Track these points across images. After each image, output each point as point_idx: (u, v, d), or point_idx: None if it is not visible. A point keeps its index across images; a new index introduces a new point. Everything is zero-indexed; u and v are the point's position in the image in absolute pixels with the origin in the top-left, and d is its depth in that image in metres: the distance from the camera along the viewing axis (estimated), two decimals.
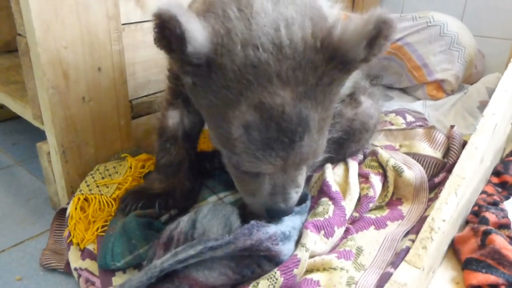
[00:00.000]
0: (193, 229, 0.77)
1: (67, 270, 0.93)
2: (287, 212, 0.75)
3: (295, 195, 0.75)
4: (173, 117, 0.94)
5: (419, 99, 1.58)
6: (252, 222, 0.72)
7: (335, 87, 0.67)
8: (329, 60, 0.63)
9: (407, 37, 1.56)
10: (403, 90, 1.67)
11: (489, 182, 1.09)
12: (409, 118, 1.30)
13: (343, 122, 0.99)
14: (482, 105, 1.36)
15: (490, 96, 1.02)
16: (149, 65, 1.18)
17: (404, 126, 1.25)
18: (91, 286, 0.87)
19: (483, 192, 1.04)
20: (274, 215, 0.75)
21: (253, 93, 0.62)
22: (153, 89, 1.22)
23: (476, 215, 0.95)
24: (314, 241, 0.77)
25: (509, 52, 1.62)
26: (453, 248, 0.90)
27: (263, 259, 0.72)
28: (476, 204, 0.99)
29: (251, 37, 0.61)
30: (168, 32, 0.57)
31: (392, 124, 1.26)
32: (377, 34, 0.58)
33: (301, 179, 0.76)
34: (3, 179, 1.32)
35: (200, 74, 0.65)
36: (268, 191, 0.73)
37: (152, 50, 1.16)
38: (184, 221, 0.79)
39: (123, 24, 1.07)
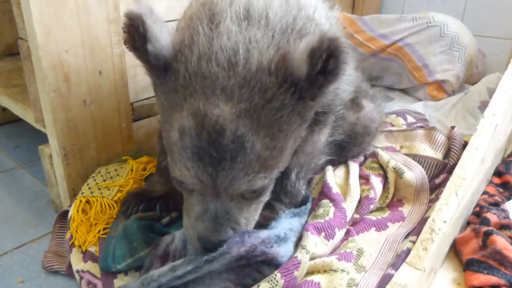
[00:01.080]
0: (185, 250, 0.78)
1: (69, 273, 0.93)
2: (217, 246, 0.69)
3: (230, 231, 0.70)
4: None
5: (419, 100, 1.58)
6: (243, 230, 0.72)
7: (287, 115, 0.64)
8: (281, 83, 0.63)
9: (407, 37, 1.56)
10: (404, 91, 1.67)
11: (490, 182, 1.09)
12: (410, 119, 1.30)
13: (345, 126, 0.99)
14: (483, 105, 1.36)
15: (490, 96, 1.02)
16: None
17: (404, 127, 1.25)
18: None
19: (485, 192, 1.04)
20: (203, 244, 0.70)
21: (195, 101, 0.63)
22: (153, 92, 1.23)
23: (477, 215, 0.95)
24: (315, 243, 0.77)
25: (510, 51, 1.62)
26: (454, 249, 0.90)
27: (261, 264, 0.72)
28: (477, 204, 0.99)
29: (209, 52, 0.64)
30: (133, 30, 0.61)
31: (393, 125, 1.26)
32: (318, 47, 0.58)
33: (240, 215, 0.70)
34: (5, 181, 1.32)
35: (158, 76, 0.68)
36: (198, 214, 0.69)
37: None
38: (177, 238, 0.79)
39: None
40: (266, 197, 0.76)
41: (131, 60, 1.12)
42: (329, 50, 0.58)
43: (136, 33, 0.62)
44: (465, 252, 0.87)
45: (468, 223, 0.96)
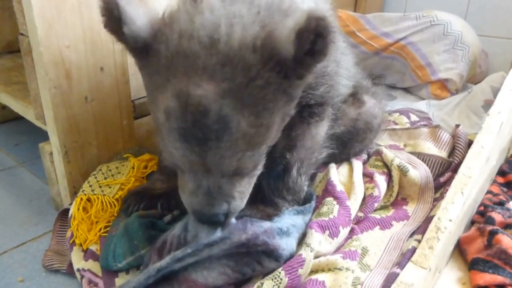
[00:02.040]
0: (185, 232, 0.77)
1: (69, 271, 0.92)
2: (212, 218, 0.70)
3: (224, 204, 0.70)
4: None
5: (423, 99, 1.57)
6: (246, 217, 0.72)
7: (272, 93, 0.63)
8: (266, 60, 0.61)
9: (411, 36, 1.55)
10: (407, 90, 1.66)
11: (494, 181, 1.08)
12: (413, 117, 1.29)
13: (346, 121, 0.98)
14: (487, 104, 1.35)
15: (494, 95, 1.02)
16: None
17: (408, 125, 1.24)
18: (94, 287, 0.86)
19: (489, 192, 1.03)
20: (198, 218, 0.71)
21: (178, 81, 0.61)
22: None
23: (482, 215, 0.94)
24: (319, 241, 0.77)
25: None
26: (459, 248, 0.89)
27: (262, 255, 0.72)
28: (481, 204, 0.98)
29: (191, 29, 0.62)
30: (108, 13, 0.61)
31: (396, 124, 1.25)
32: (306, 27, 0.56)
33: (232, 189, 0.70)
34: (5, 180, 1.31)
35: (139, 57, 0.67)
36: (192, 190, 0.69)
37: None
38: (178, 225, 0.79)
39: None
40: (258, 171, 0.74)
41: None
42: (317, 30, 0.56)
43: (111, 16, 0.61)
44: (470, 251, 0.86)
45: (472, 222, 0.95)
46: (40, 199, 1.20)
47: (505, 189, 1.06)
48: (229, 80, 0.60)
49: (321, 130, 0.90)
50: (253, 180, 0.75)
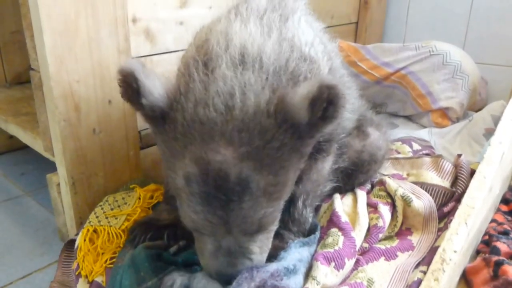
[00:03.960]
0: None
1: None
2: (235, 277, 0.70)
3: (246, 261, 0.71)
4: None
5: (424, 127, 1.59)
6: (258, 259, 0.72)
7: (287, 153, 0.66)
8: (281, 124, 0.64)
9: (411, 66, 1.58)
10: (408, 118, 1.68)
11: (498, 210, 1.08)
12: (416, 146, 1.31)
13: (351, 153, 0.99)
14: (488, 133, 1.36)
15: (495, 124, 1.03)
16: None
17: (410, 154, 1.25)
18: None
19: (493, 220, 1.03)
20: (222, 279, 0.72)
21: (196, 148, 0.64)
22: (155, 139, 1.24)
23: (486, 244, 0.94)
24: (325, 273, 0.77)
25: None
26: (465, 279, 0.88)
27: None
28: (486, 233, 0.98)
29: (205, 98, 0.66)
30: (126, 86, 0.64)
31: (399, 153, 1.27)
32: (318, 96, 0.60)
33: (253, 246, 0.71)
34: (11, 209, 1.32)
35: (156, 125, 0.70)
36: (212, 252, 0.71)
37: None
38: (177, 285, 0.78)
39: (133, 58, 1.10)
40: (275, 226, 0.76)
41: None
42: (329, 99, 0.60)
43: (129, 89, 0.64)
44: (476, 282, 0.85)
45: (477, 252, 0.95)
46: (45, 229, 1.21)
47: (509, 218, 1.06)
48: (246, 145, 0.63)
49: (326, 164, 0.92)
50: (271, 235, 0.76)
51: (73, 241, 1.01)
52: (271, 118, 0.64)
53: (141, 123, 1.19)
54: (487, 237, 0.95)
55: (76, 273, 0.93)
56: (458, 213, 0.84)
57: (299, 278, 0.75)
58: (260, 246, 0.73)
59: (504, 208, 1.10)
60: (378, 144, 1.03)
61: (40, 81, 0.97)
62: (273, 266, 0.72)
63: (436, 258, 0.79)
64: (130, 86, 0.63)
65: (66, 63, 0.94)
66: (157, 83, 0.66)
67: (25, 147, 1.51)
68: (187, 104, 0.66)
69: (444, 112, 1.54)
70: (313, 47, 0.80)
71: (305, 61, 0.76)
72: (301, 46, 0.77)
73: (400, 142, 1.32)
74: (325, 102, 0.60)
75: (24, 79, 1.66)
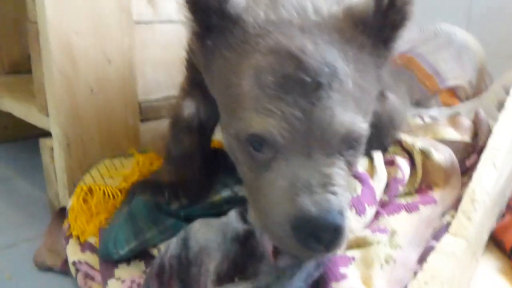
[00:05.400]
0: (186, 250, 0.66)
1: (63, 269, 0.84)
2: (322, 224, 0.51)
3: (332, 197, 0.53)
4: (189, 107, 0.90)
5: None
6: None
7: (366, 56, 0.63)
8: (355, 25, 0.63)
9: (416, 47, 1.56)
10: (416, 104, 1.64)
11: None
12: (427, 119, 1.26)
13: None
14: (501, 104, 1.31)
15: (507, 93, 0.99)
16: (158, 67, 1.16)
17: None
18: (90, 281, 0.77)
19: None
20: (303, 230, 0.52)
21: (271, 39, 0.60)
22: (162, 93, 1.19)
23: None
24: (349, 218, 0.69)
25: None
26: (494, 241, 0.81)
27: None
28: None
29: (276, 3, 0.65)
30: None
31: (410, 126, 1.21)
32: None
33: (337, 176, 0.56)
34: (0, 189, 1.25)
35: (223, 30, 0.65)
36: (285, 188, 0.54)
37: (162, 52, 1.16)
38: (173, 243, 0.68)
39: (135, 23, 1.06)
40: (359, 158, 0.68)
41: (140, 56, 1.09)
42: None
43: None
44: (507, 239, 0.78)
45: (503, 216, 0.88)
46: (36, 205, 1.13)
47: None
48: (327, 35, 0.60)
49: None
50: (351, 174, 0.66)
51: (65, 209, 0.94)
52: (345, 20, 0.63)
53: (141, 95, 1.13)
54: None
55: (67, 234, 0.85)
56: (484, 156, 0.78)
57: None
58: (344, 177, 0.57)
59: None
60: (397, 107, 0.99)
61: (37, 33, 0.92)
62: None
63: (465, 199, 0.72)
64: None
65: (65, 12, 0.90)
66: None
67: (19, 139, 1.45)
68: (258, 8, 0.64)
69: (453, 92, 1.50)
70: None
71: None
72: None
73: (410, 117, 1.27)
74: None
75: (22, 68, 1.62)
